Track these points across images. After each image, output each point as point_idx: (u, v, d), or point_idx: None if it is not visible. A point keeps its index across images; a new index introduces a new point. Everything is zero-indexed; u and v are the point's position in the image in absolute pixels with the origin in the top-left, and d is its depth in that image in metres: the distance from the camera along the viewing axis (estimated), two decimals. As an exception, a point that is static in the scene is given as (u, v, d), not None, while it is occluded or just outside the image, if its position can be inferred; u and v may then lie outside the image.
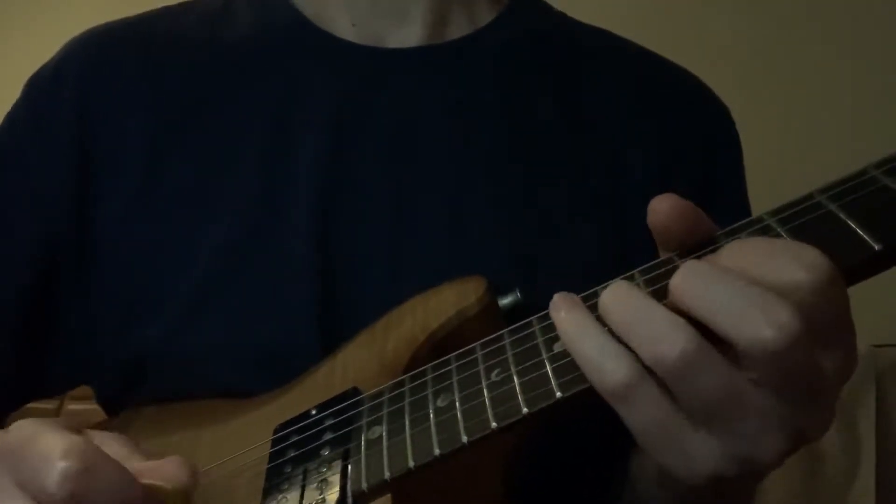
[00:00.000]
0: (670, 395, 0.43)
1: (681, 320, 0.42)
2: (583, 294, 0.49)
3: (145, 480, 0.45)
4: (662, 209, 0.47)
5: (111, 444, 0.48)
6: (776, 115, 1.96)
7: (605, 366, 0.44)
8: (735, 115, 0.80)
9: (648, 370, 0.43)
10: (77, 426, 0.50)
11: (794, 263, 0.41)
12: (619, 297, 0.45)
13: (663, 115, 0.76)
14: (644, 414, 0.44)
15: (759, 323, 0.40)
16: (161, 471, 0.46)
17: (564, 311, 0.47)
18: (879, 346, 1.74)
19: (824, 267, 0.41)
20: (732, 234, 0.47)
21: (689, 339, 0.41)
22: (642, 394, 0.43)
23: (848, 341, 0.43)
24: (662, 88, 0.78)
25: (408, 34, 0.75)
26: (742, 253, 0.43)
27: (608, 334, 0.44)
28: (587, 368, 0.45)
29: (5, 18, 2.41)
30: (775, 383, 0.42)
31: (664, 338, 0.42)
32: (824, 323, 0.41)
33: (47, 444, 0.44)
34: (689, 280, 0.43)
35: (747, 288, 0.41)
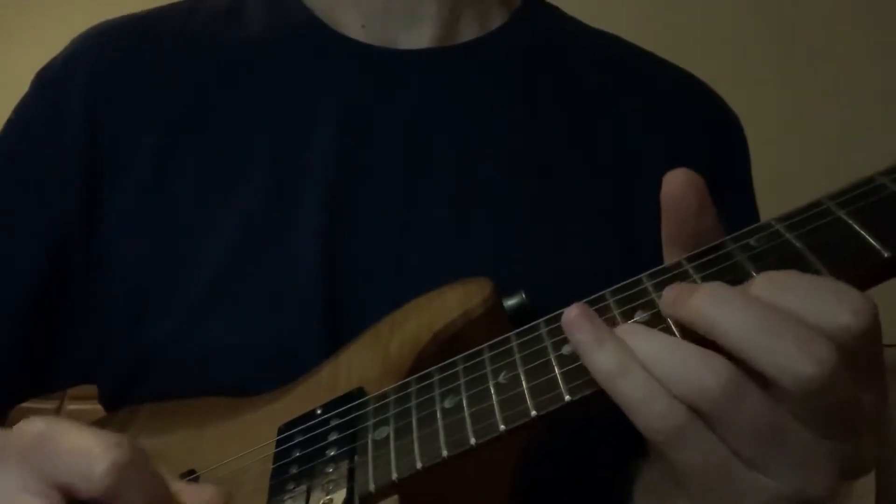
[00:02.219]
0: (719, 433, 0.42)
1: (714, 354, 0.41)
2: (590, 298, 0.49)
3: (182, 499, 0.45)
4: (678, 178, 0.47)
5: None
6: (783, 121, 1.96)
7: (655, 409, 0.42)
8: (742, 120, 0.81)
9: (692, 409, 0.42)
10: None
11: (839, 306, 0.40)
12: (647, 340, 0.44)
13: (672, 121, 0.76)
14: (696, 455, 0.42)
15: (798, 359, 0.39)
16: (199, 496, 0.46)
17: (600, 352, 0.44)
18: (879, 346, 1.73)
19: (869, 311, 0.40)
20: (740, 240, 0.47)
21: (727, 366, 0.41)
22: (695, 434, 0.42)
23: (883, 377, 0.43)
24: (671, 94, 0.78)
25: (418, 36, 0.74)
26: (779, 287, 0.42)
27: (650, 377, 0.43)
28: (632, 410, 0.43)
29: (6, 17, 2.40)
30: (818, 420, 0.41)
31: (703, 369, 0.41)
32: (864, 364, 0.41)
33: (88, 438, 0.43)
34: (717, 309, 0.42)
35: (784, 322, 0.40)
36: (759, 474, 0.43)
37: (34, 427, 0.45)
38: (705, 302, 0.42)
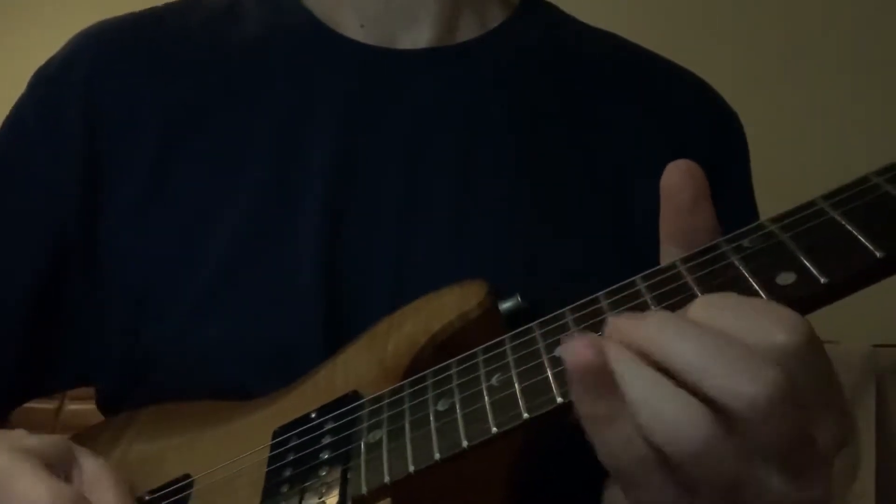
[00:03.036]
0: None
1: (696, 407, 0.39)
2: (584, 300, 0.49)
3: None
4: (678, 167, 0.47)
5: (104, 491, 0.49)
6: (781, 119, 1.96)
7: (684, 427, 0.39)
8: (742, 119, 0.80)
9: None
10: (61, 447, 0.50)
11: (774, 325, 0.39)
12: (683, 334, 0.40)
13: (672, 120, 0.76)
14: (724, 471, 0.40)
15: (744, 379, 0.38)
16: None
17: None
18: (879, 346, 1.74)
19: (802, 329, 0.39)
20: (734, 241, 0.47)
21: (776, 376, 0.38)
22: (653, 477, 0.41)
23: (836, 404, 0.41)
24: (671, 93, 0.78)
25: (417, 35, 0.74)
26: (716, 309, 0.41)
27: (682, 391, 0.40)
28: (659, 430, 0.39)
29: (3, 16, 2.41)
30: (775, 458, 0.39)
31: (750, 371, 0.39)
32: (807, 386, 0.40)
33: (33, 487, 0.44)
34: (665, 335, 0.40)
35: (724, 344, 0.39)
36: (792, 481, 0.40)
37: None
38: (649, 325, 0.41)
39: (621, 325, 0.42)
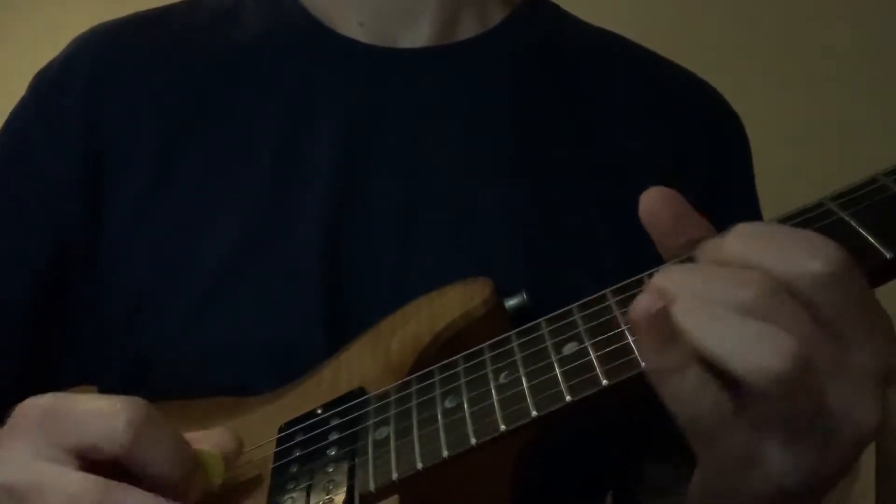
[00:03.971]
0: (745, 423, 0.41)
1: (785, 336, 0.39)
2: (591, 297, 0.49)
3: (196, 446, 0.48)
4: (650, 196, 0.47)
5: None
6: (783, 119, 1.96)
7: (765, 350, 0.39)
8: (743, 119, 0.80)
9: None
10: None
11: (810, 254, 0.40)
12: (701, 303, 0.40)
13: (672, 121, 0.76)
14: (728, 447, 0.41)
15: (762, 355, 0.38)
16: (210, 438, 0.49)
17: (663, 353, 0.41)
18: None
19: (838, 256, 0.40)
20: None
21: (795, 359, 0.38)
22: (728, 427, 0.41)
23: (880, 329, 0.41)
24: (671, 94, 0.78)
25: (417, 34, 0.74)
26: (743, 238, 0.41)
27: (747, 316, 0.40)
28: (735, 357, 0.39)
29: (5, 17, 2.40)
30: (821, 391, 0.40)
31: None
32: (840, 314, 0.40)
33: (103, 400, 0.45)
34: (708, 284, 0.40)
35: (742, 319, 0.39)
36: (782, 448, 0.41)
37: (42, 401, 0.47)
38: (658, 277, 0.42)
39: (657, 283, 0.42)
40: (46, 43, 0.78)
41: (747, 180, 0.79)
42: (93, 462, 0.45)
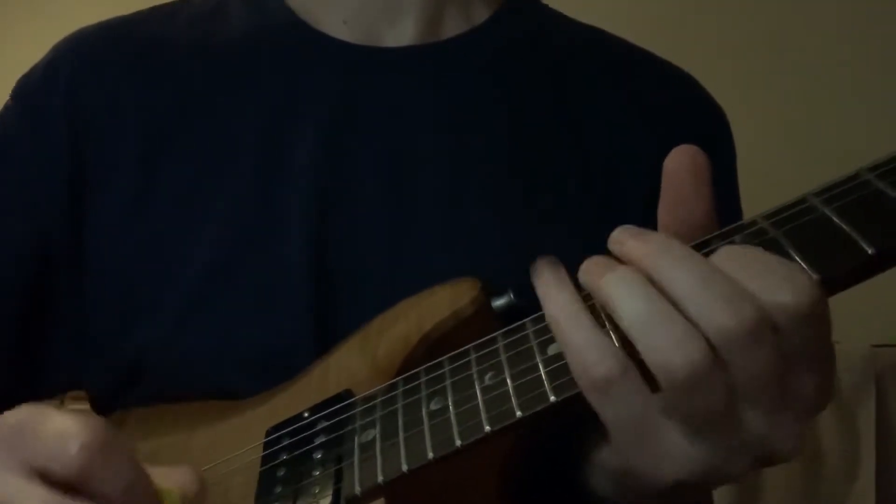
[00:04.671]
0: (655, 395, 0.44)
1: (695, 332, 0.42)
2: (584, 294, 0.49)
3: (157, 481, 0.46)
4: (682, 151, 0.49)
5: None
6: (770, 115, 1.96)
7: (590, 357, 0.44)
8: (728, 113, 0.80)
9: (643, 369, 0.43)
10: None
11: (780, 283, 0.42)
12: (633, 291, 0.44)
13: (658, 116, 0.75)
14: (622, 411, 0.44)
15: (719, 311, 0.41)
16: (173, 476, 0.47)
17: (554, 296, 0.47)
18: (879, 346, 1.73)
19: (810, 294, 0.41)
20: (726, 237, 0.47)
21: (703, 353, 0.42)
22: (624, 391, 0.44)
23: (824, 366, 0.44)
24: (657, 88, 0.78)
25: (402, 32, 0.74)
26: (732, 258, 0.43)
27: (596, 325, 0.45)
28: (570, 357, 0.45)
29: (4, 17, 2.40)
30: (745, 389, 0.42)
31: (678, 349, 0.42)
32: (796, 345, 0.42)
33: (62, 422, 0.44)
34: (663, 257, 0.44)
35: (714, 278, 0.42)
36: (686, 444, 0.44)
37: (17, 414, 0.47)
38: (648, 247, 0.45)
39: (624, 237, 0.47)
40: (49, 43, 0.78)
41: (730, 178, 0.78)
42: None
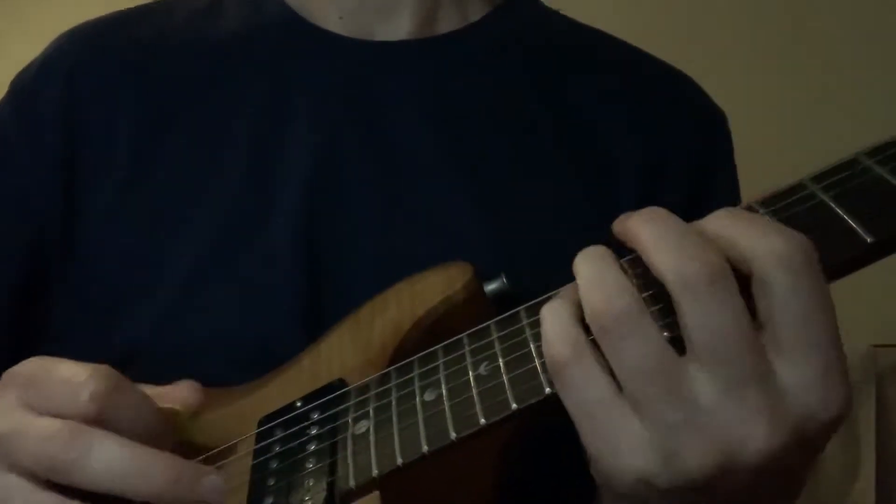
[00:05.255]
0: (607, 372, 0.43)
1: (629, 284, 0.42)
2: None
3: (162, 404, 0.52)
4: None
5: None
6: (769, 112, 1.96)
7: (553, 341, 0.44)
8: (727, 110, 0.80)
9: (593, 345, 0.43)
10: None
11: (762, 232, 0.41)
12: (591, 250, 0.46)
13: (656, 118, 0.75)
14: (579, 393, 0.43)
15: (683, 255, 0.41)
16: (173, 395, 0.53)
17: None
18: (879, 346, 1.73)
19: (797, 244, 0.40)
20: None
21: (630, 300, 0.42)
22: (579, 370, 0.43)
23: (817, 354, 0.40)
24: (657, 89, 0.77)
25: (396, 27, 0.74)
26: (719, 217, 0.44)
27: (570, 312, 0.45)
28: (545, 339, 0.45)
29: (11, 13, 2.40)
30: (703, 350, 0.40)
31: (606, 294, 0.42)
32: (777, 305, 0.40)
33: (71, 369, 0.49)
34: (643, 215, 0.44)
35: (686, 228, 0.42)
36: (641, 426, 0.42)
37: (26, 367, 0.51)
38: (636, 215, 0.45)
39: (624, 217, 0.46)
40: (34, 42, 0.78)
41: (731, 181, 0.78)
42: None
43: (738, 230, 0.42)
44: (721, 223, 0.43)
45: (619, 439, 0.42)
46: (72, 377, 0.49)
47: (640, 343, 0.41)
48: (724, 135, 0.79)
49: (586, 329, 0.44)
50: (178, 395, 0.53)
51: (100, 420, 0.48)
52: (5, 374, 0.52)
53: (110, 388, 0.49)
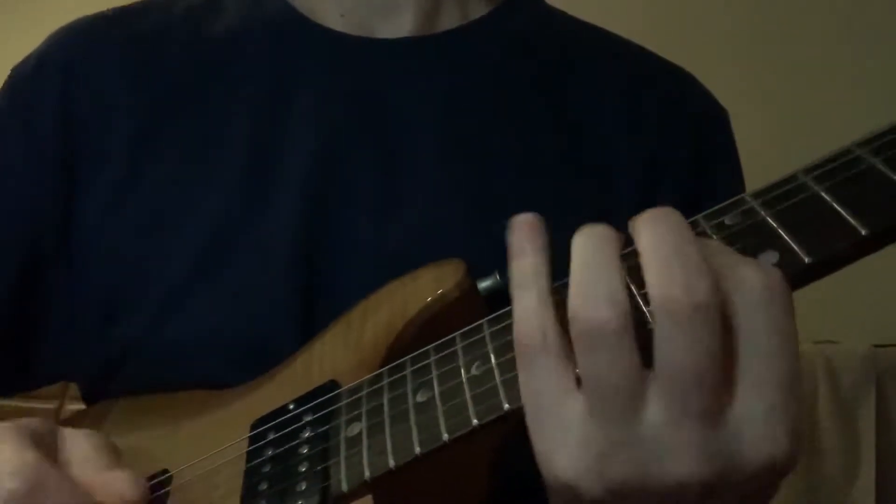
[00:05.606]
0: (571, 368, 0.42)
1: (622, 295, 0.40)
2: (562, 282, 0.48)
3: (98, 499, 0.48)
4: None
5: (79, 443, 0.50)
6: (771, 109, 1.96)
7: (521, 322, 0.43)
8: (729, 106, 0.79)
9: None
10: (47, 426, 0.51)
11: (743, 267, 0.40)
12: (589, 241, 0.44)
13: (655, 115, 0.74)
14: (537, 382, 0.42)
15: (671, 280, 0.39)
16: (112, 487, 0.49)
17: (521, 257, 0.45)
18: (879, 346, 1.73)
19: (776, 274, 0.40)
20: (715, 217, 0.46)
21: (617, 313, 0.40)
22: (544, 359, 0.42)
23: (769, 394, 0.39)
24: (657, 87, 0.77)
25: (398, 25, 0.74)
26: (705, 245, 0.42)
27: (542, 294, 0.43)
28: (514, 318, 0.43)
29: (5, 12, 2.41)
30: (671, 378, 0.39)
31: (595, 302, 0.40)
32: (746, 335, 0.39)
33: (19, 453, 0.47)
34: (645, 218, 0.42)
35: (682, 248, 0.40)
36: (583, 421, 0.41)
37: None
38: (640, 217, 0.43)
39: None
40: (33, 37, 0.78)
41: (733, 176, 0.77)
42: None
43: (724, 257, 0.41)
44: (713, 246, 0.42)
45: (562, 439, 0.42)
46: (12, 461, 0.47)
47: (614, 358, 0.40)
48: (725, 131, 0.78)
49: (559, 310, 0.42)
50: (117, 487, 0.50)
51: None
52: None
53: (31, 488, 0.46)
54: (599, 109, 0.74)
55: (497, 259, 0.65)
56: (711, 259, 0.40)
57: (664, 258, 0.40)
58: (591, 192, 0.70)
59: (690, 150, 0.74)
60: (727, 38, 2.05)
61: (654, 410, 0.40)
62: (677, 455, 0.40)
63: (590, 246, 0.43)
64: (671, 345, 0.39)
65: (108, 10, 0.77)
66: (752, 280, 0.40)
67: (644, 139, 0.73)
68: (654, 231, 0.41)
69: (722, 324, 0.39)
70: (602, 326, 0.40)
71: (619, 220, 0.68)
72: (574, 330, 0.41)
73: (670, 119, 0.75)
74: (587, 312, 0.40)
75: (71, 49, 0.73)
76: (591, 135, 0.73)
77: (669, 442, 0.40)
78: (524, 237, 0.45)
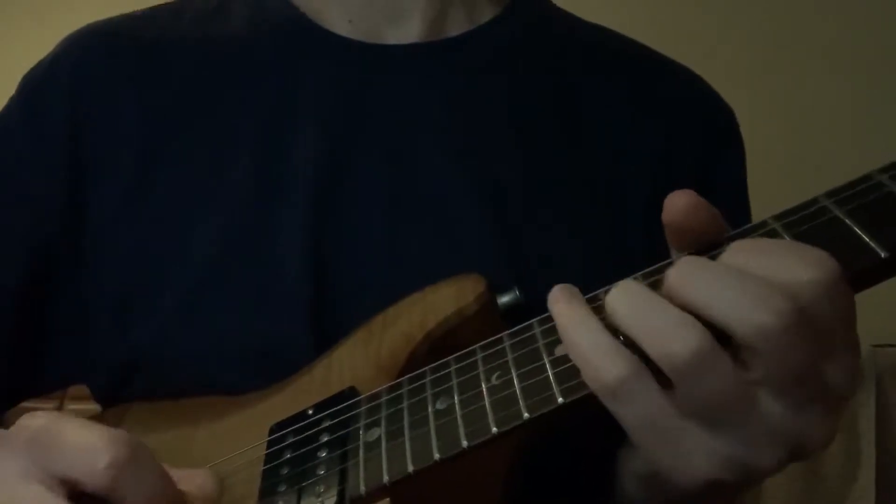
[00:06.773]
0: (669, 392, 0.43)
1: (692, 319, 0.42)
2: (587, 296, 0.49)
3: (181, 486, 0.48)
4: (680, 205, 0.47)
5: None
6: (780, 116, 1.96)
7: (600, 360, 0.44)
8: (738, 113, 0.80)
9: (654, 368, 0.43)
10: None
11: (798, 262, 0.42)
12: (630, 292, 0.45)
13: (663, 118, 0.75)
14: (639, 412, 0.44)
15: (754, 309, 0.40)
16: (194, 480, 0.50)
17: (563, 303, 0.47)
18: (879, 346, 1.73)
19: (828, 266, 0.41)
20: (738, 239, 0.46)
21: (701, 337, 0.42)
22: (638, 390, 0.43)
23: (852, 351, 0.44)
24: (663, 88, 0.77)
25: (406, 30, 0.74)
26: (744, 251, 0.44)
27: (605, 329, 0.44)
28: (581, 362, 0.45)
29: (6, 17, 2.40)
30: (778, 382, 0.42)
31: (676, 335, 0.42)
32: (825, 323, 0.42)
33: (88, 435, 0.45)
34: (683, 271, 0.43)
35: (741, 277, 0.42)
36: (711, 440, 0.44)
37: (37, 421, 0.47)
38: (673, 268, 0.44)
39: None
40: (49, 41, 0.78)
41: (738, 179, 0.78)
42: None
43: (769, 267, 0.42)
44: (746, 260, 0.43)
45: (690, 452, 0.44)
46: (89, 443, 0.45)
47: (716, 380, 0.42)
48: (731, 130, 0.79)
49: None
50: (196, 481, 0.51)
51: (112, 491, 0.45)
52: (10, 431, 0.48)
53: (129, 458, 0.45)
54: (607, 111, 0.74)
55: (510, 261, 0.66)
56: (756, 263, 0.43)
57: (732, 290, 0.42)
58: (599, 195, 0.71)
59: (696, 149, 0.75)
60: (732, 39, 2.04)
61: (778, 410, 0.43)
62: (819, 429, 0.44)
63: (624, 296, 0.45)
64: (775, 359, 0.42)
65: (117, 16, 0.77)
66: (811, 275, 0.42)
67: (653, 141, 0.73)
68: (704, 276, 0.43)
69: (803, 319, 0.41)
70: (691, 358, 0.42)
71: (630, 223, 0.69)
72: (673, 364, 0.42)
73: (677, 120, 0.75)
74: (676, 345, 0.42)
75: (82, 54, 0.73)
76: (599, 137, 0.73)
77: (809, 425, 0.44)
78: (557, 296, 0.48)
